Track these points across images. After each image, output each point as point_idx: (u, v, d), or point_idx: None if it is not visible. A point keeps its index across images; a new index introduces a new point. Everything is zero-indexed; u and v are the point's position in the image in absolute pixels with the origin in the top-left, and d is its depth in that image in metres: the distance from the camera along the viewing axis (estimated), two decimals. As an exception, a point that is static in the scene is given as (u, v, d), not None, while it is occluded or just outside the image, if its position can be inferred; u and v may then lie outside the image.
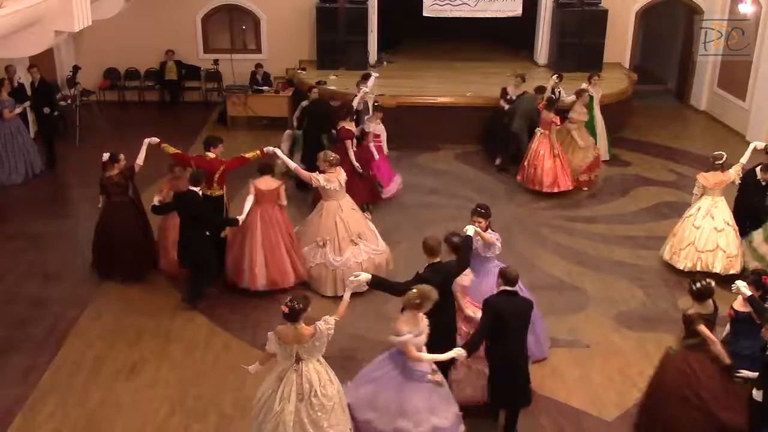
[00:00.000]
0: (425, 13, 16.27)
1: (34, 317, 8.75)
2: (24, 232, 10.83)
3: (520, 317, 6.53)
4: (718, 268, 9.40)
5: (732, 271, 9.32)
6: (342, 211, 9.22)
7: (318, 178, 9.13)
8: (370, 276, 6.52)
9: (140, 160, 9.49)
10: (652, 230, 11.05)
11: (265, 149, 9.43)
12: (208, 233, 8.87)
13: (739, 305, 6.66)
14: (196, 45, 16.88)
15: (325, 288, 9.18)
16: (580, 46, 16.02)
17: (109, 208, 9.56)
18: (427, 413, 6.20)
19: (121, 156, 9.50)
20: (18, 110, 12.70)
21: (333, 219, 9.19)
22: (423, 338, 6.17)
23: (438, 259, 6.79)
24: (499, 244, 7.52)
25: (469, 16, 16.48)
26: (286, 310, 6.00)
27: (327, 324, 6.09)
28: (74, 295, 9.22)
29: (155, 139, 9.53)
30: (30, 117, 13.66)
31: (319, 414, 6.07)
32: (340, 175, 9.23)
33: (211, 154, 9.38)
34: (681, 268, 9.64)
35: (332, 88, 15.02)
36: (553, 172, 12.04)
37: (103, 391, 7.49)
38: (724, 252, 9.46)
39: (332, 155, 9.28)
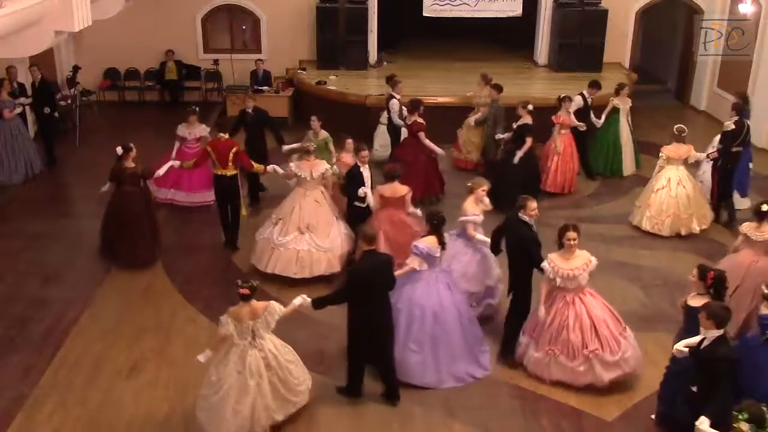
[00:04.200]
0: (425, 13, 16.29)
1: (34, 317, 8.76)
2: (24, 232, 10.84)
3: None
4: (698, 229, 10.82)
5: (704, 226, 10.89)
6: (304, 198, 9.52)
7: (291, 165, 9.83)
8: (310, 301, 7.03)
9: (162, 171, 10.28)
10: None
11: (268, 168, 10.13)
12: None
13: (692, 300, 6.71)
14: (196, 45, 16.90)
15: (262, 263, 9.50)
16: (580, 46, 16.04)
17: (120, 197, 9.87)
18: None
19: (132, 145, 9.79)
20: (18, 110, 12.71)
21: (293, 203, 9.55)
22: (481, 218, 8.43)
23: (373, 248, 7.26)
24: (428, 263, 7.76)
25: (469, 16, 16.50)
26: (247, 291, 6.54)
27: (277, 308, 6.69)
28: (74, 295, 9.23)
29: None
30: (30, 117, 13.66)
31: (287, 375, 6.81)
32: (314, 167, 9.59)
33: (224, 135, 9.99)
34: (666, 235, 10.77)
35: (332, 87, 15.07)
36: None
37: (103, 391, 7.50)
38: (698, 212, 10.84)
39: (308, 145, 9.83)
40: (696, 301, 6.67)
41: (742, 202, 11.43)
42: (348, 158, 10.18)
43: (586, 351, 7.34)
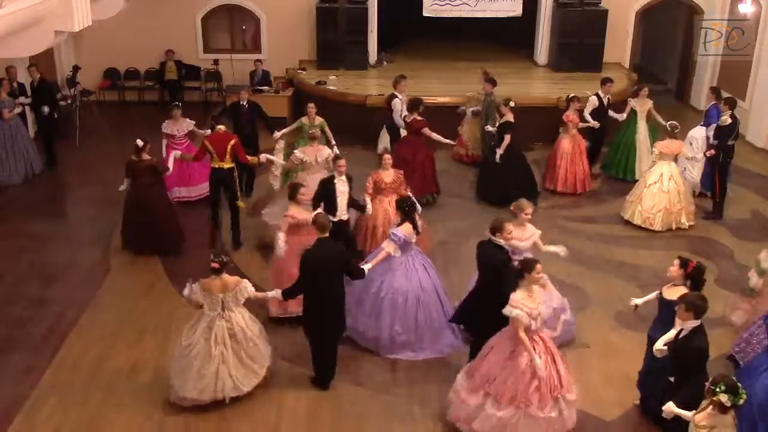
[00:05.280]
0: (425, 13, 16.28)
1: (34, 317, 8.76)
2: (24, 232, 10.83)
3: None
4: (687, 224, 11.06)
5: (691, 222, 11.15)
6: (312, 181, 9.55)
7: (295, 153, 10.03)
8: (279, 292, 7.35)
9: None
10: (652, 230, 11.05)
11: (261, 158, 10.26)
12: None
13: (667, 292, 6.75)
14: (196, 45, 16.90)
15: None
16: (580, 46, 16.03)
17: (138, 189, 10.04)
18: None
19: (147, 139, 10.14)
20: (17, 110, 12.70)
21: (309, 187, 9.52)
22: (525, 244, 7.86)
23: (326, 235, 7.39)
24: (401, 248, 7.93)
25: (469, 16, 16.50)
26: (217, 265, 6.95)
27: (247, 288, 7.09)
28: (74, 295, 9.23)
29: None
30: (30, 117, 13.66)
31: (251, 346, 7.18)
32: (319, 152, 9.89)
33: (221, 128, 10.16)
34: (658, 229, 10.92)
35: (332, 87, 15.06)
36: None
37: (103, 391, 7.49)
38: (687, 207, 11.09)
39: (314, 131, 10.06)
40: (671, 293, 6.68)
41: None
42: (384, 175, 9.68)
43: (555, 392, 6.57)
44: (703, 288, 6.71)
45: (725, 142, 11.01)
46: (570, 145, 12.26)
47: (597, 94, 12.72)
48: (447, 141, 11.89)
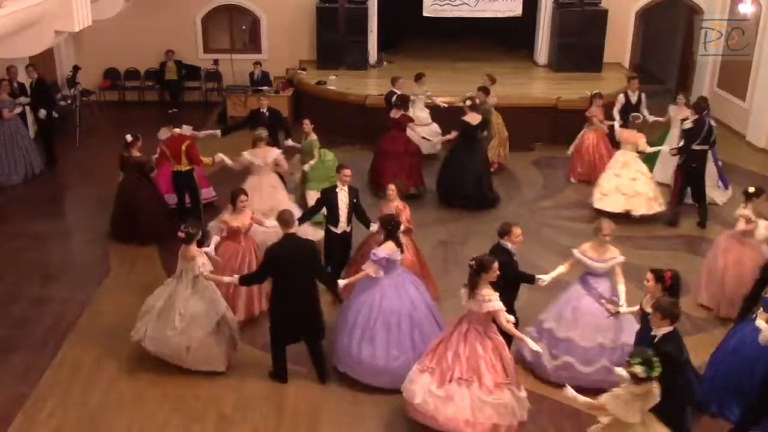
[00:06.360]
0: (425, 13, 16.28)
1: (34, 317, 8.76)
2: (24, 232, 10.83)
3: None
4: (637, 212, 11.15)
5: (653, 211, 11.21)
6: (261, 185, 9.83)
7: (243, 154, 9.98)
8: (237, 277, 7.56)
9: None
10: (652, 230, 11.06)
11: (216, 158, 10.22)
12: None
13: (648, 307, 6.59)
14: (196, 45, 16.90)
15: None
16: (580, 46, 16.03)
17: (125, 183, 10.44)
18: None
19: (139, 135, 10.45)
20: (17, 110, 12.70)
21: (251, 193, 9.34)
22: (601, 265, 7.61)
23: (292, 231, 7.40)
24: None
25: (469, 16, 16.50)
26: (182, 234, 7.43)
27: (198, 265, 7.46)
28: (74, 295, 9.23)
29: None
30: (30, 117, 13.66)
31: (206, 288, 7.62)
32: (267, 153, 9.95)
33: (177, 130, 10.28)
34: (610, 210, 11.00)
35: (332, 88, 15.06)
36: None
37: (103, 391, 7.50)
38: (643, 195, 11.17)
39: (260, 133, 10.05)
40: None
41: (725, 194, 11.93)
42: (391, 207, 8.90)
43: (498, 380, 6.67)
44: (680, 295, 6.68)
45: (688, 146, 10.92)
46: (594, 138, 12.53)
47: (625, 92, 12.80)
48: (423, 137, 12.14)
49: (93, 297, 9.22)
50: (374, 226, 8.71)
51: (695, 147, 10.88)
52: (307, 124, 10.92)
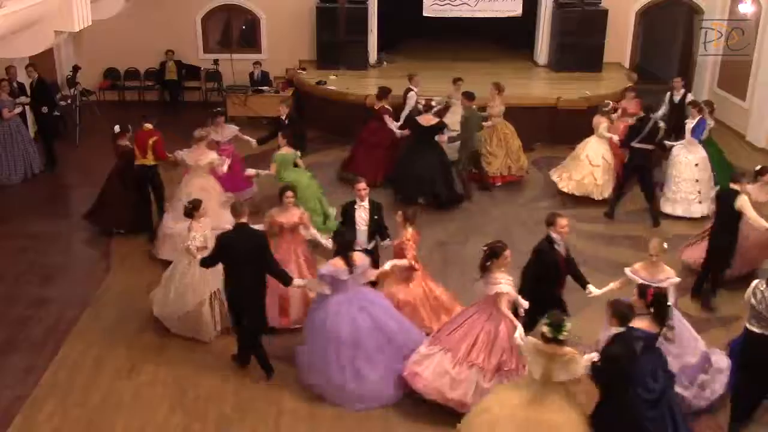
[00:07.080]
0: (425, 13, 16.28)
1: (34, 317, 8.76)
2: (24, 232, 10.84)
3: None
4: (595, 196, 11.69)
5: (604, 196, 11.68)
6: (191, 185, 9.83)
7: (178, 151, 10.08)
8: (199, 258, 7.73)
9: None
10: (652, 230, 11.05)
11: (177, 155, 10.15)
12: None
13: (634, 324, 6.45)
14: (196, 45, 16.90)
15: (159, 251, 9.90)
16: (580, 46, 16.03)
17: (113, 170, 10.68)
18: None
19: (129, 126, 10.65)
20: (17, 110, 12.70)
21: (180, 193, 9.81)
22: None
23: (244, 221, 7.47)
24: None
25: (469, 16, 16.49)
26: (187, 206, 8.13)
27: (195, 239, 8.02)
28: (74, 295, 9.23)
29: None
30: (30, 117, 13.66)
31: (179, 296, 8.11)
32: (202, 155, 9.95)
33: (148, 125, 10.42)
34: (566, 191, 11.81)
35: (332, 87, 15.06)
36: None
37: (103, 391, 7.50)
38: (595, 180, 11.69)
39: (200, 132, 10.09)
40: (638, 324, 6.41)
41: (702, 208, 11.26)
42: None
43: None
44: (668, 314, 6.65)
45: (627, 142, 11.08)
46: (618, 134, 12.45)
47: (669, 93, 12.93)
48: (400, 132, 12.19)
49: (93, 297, 9.22)
50: (387, 243, 8.45)
51: (636, 145, 10.95)
52: (281, 138, 10.49)
